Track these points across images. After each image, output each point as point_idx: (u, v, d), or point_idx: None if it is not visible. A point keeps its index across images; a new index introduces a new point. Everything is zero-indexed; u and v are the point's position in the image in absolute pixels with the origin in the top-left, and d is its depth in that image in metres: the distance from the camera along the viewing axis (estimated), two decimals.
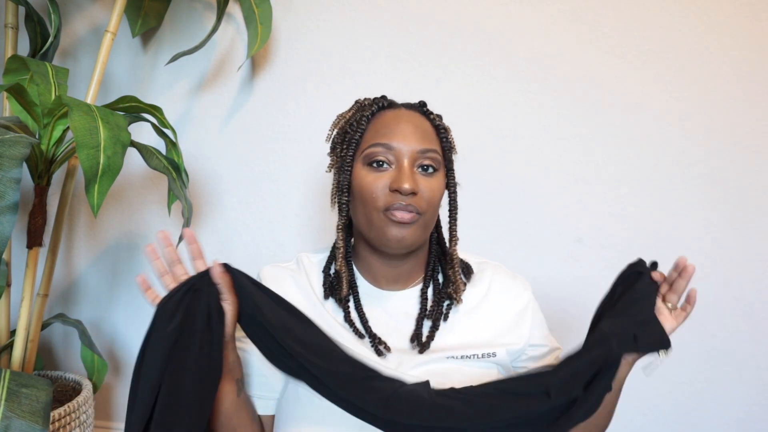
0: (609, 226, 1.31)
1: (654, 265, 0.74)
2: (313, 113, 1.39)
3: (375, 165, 0.73)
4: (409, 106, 0.78)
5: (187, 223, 1.14)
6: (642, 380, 1.34)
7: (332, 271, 0.80)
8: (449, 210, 0.79)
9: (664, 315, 0.72)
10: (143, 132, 1.36)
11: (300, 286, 0.80)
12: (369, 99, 0.80)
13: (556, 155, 1.31)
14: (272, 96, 1.40)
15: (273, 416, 0.79)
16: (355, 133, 0.75)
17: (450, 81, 1.34)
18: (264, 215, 1.43)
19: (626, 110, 1.29)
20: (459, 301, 0.77)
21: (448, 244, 0.81)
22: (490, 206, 1.34)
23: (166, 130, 1.15)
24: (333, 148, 0.80)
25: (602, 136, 1.30)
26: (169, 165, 1.10)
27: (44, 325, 1.27)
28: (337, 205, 0.78)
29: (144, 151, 1.07)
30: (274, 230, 1.43)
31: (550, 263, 1.32)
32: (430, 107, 0.80)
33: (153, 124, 1.15)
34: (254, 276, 0.85)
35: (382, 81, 1.36)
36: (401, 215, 0.70)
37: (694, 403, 1.31)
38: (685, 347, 1.29)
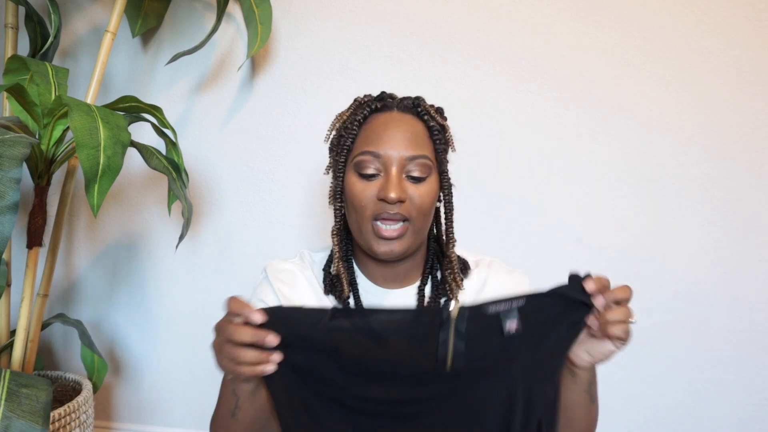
0: (609, 226, 1.31)
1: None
2: (313, 113, 1.39)
3: (364, 173, 0.73)
4: (402, 108, 0.77)
5: (187, 223, 1.14)
6: (642, 380, 1.34)
7: (332, 270, 0.81)
8: (444, 212, 0.79)
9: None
10: (143, 132, 1.36)
11: (307, 278, 0.82)
12: (368, 96, 0.79)
13: (557, 155, 1.31)
14: (272, 96, 1.40)
15: None
16: (346, 139, 0.75)
17: (450, 81, 1.34)
18: (264, 215, 1.43)
19: (626, 110, 1.29)
20: (456, 299, 0.78)
21: (445, 246, 0.80)
22: (490, 206, 1.34)
23: (166, 130, 1.14)
24: (330, 150, 0.82)
25: (602, 136, 1.30)
26: (169, 165, 1.10)
27: (44, 325, 1.27)
28: (332, 210, 0.79)
29: (144, 151, 1.07)
30: (274, 230, 1.43)
31: (550, 263, 1.32)
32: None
33: (153, 124, 1.15)
34: (258, 271, 0.86)
35: (382, 81, 1.36)
36: (388, 231, 0.71)
37: (694, 403, 1.31)
38: (685, 347, 1.29)
